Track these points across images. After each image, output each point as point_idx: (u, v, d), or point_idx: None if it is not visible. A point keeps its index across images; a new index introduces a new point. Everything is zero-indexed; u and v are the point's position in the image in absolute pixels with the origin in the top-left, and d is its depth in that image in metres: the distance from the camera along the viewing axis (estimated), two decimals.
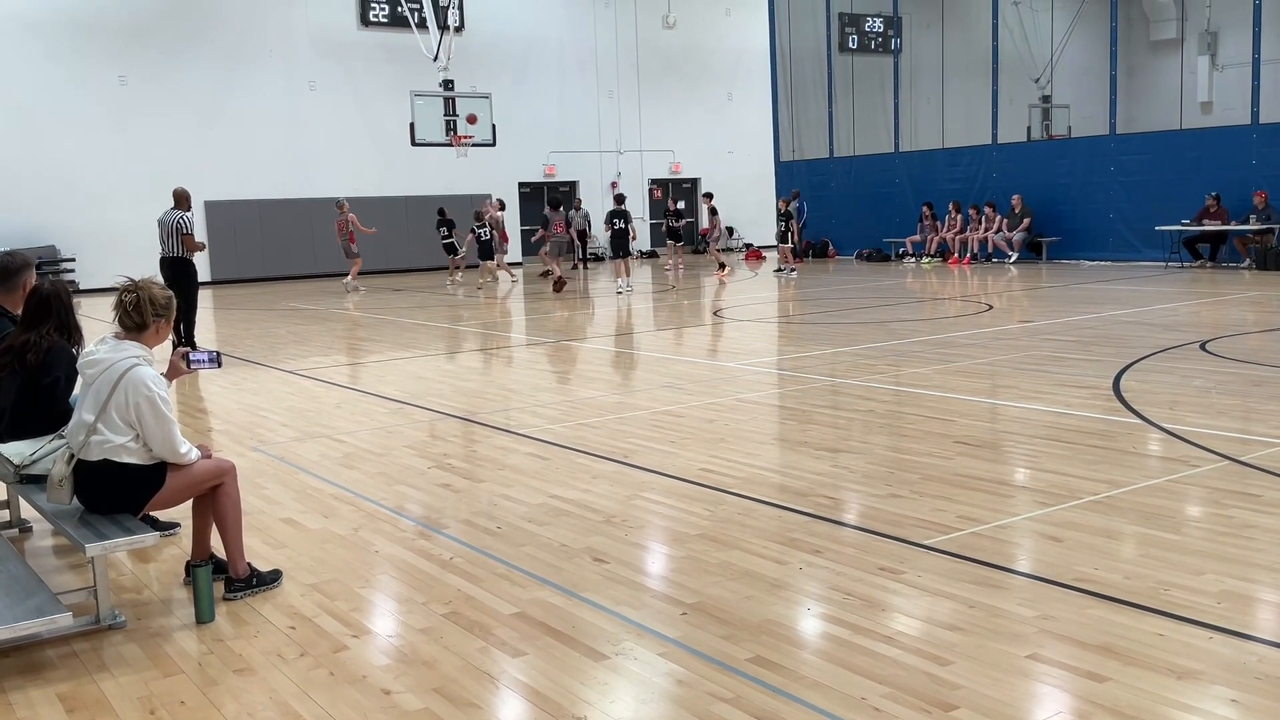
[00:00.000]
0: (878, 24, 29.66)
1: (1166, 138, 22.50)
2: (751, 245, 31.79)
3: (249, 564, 4.68)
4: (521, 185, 30.37)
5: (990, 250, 23.31)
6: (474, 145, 24.49)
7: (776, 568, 4.71)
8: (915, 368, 9.81)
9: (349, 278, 22.63)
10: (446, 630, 4.18)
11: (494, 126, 24.78)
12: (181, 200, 12.87)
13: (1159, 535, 4.94)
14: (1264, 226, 18.97)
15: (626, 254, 20.21)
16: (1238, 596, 4.22)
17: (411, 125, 22.70)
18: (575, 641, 4.03)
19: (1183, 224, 20.12)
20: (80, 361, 4.59)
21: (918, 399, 8.38)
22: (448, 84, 23.25)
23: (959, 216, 24.00)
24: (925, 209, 24.73)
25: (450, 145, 24.31)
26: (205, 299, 22.12)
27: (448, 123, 23.60)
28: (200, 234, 16.70)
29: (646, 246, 32.08)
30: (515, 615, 4.30)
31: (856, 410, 8.14)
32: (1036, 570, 4.56)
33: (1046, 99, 29.05)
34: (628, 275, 20.18)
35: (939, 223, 24.48)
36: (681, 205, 27.51)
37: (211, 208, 26.34)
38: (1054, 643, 3.82)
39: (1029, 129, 28.37)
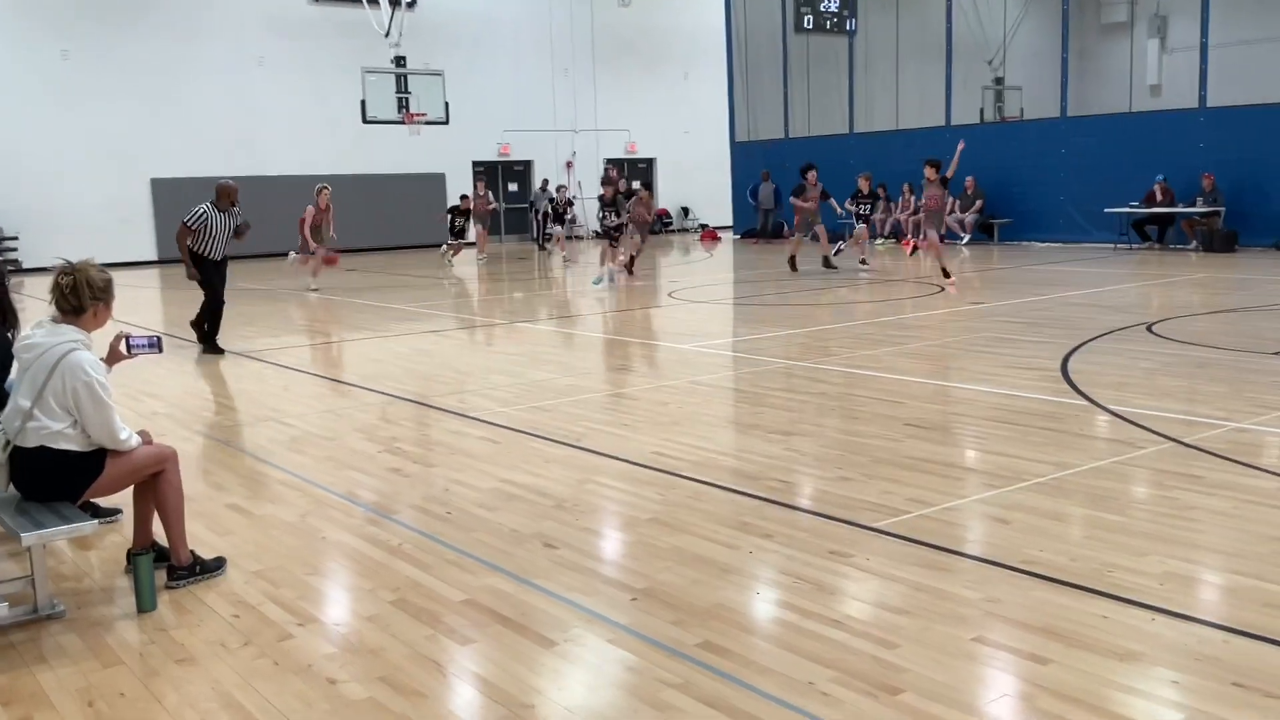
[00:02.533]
0: (833, 4, 29.67)
1: (1116, 120, 22.74)
2: (707, 226, 31.79)
3: (192, 551, 4.60)
4: (475, 164, 30.13)
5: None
6: (427, 124, 24.27)
7: (727, 552, 4.72)
8: (867, 349, 9.86)
9: (313, 276, 18.45)
10: (394, 618, 4.14)
11: (447, 105, 24.57)
12: (232, 194, 10.92)
13: (1104, 517, 5.00)
14: (1211, 209, 19.26)
15: (615, 241, 17.64)
16: (1180, 578, 4.28)
17: (363, 103, 22.43)
18: (525, 629, 4.01)
19: (1131, 206, 20.37)
20: (16, 346, 4.48)
21: (869, 381, 8.43)
22: (399, 61, 22.99)
23: (912, 198, 24.11)
24: (879, 190, 24.79)
25: (403, 123, 24.08)
26: (151, 278, 21.79)
27: (400, 100, 23.35)
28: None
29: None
30: (464, 602, 4.27)
31: (809, 393, 8.16)
32: (983, 553, 4.59)
33: (999, 81, 29.22)
34: (613, 263, 17.40)
35: (892, 204, 24.60)
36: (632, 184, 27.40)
37: (158, 186, 25.88)
38: (999, 625, 3.86)
39: (981, 111, 28.53)
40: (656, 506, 5.39)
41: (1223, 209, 19.24)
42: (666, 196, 33.27)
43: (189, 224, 10.64)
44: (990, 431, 6.71)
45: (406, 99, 22.80)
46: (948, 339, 10.37)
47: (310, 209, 17.75)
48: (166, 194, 26.04)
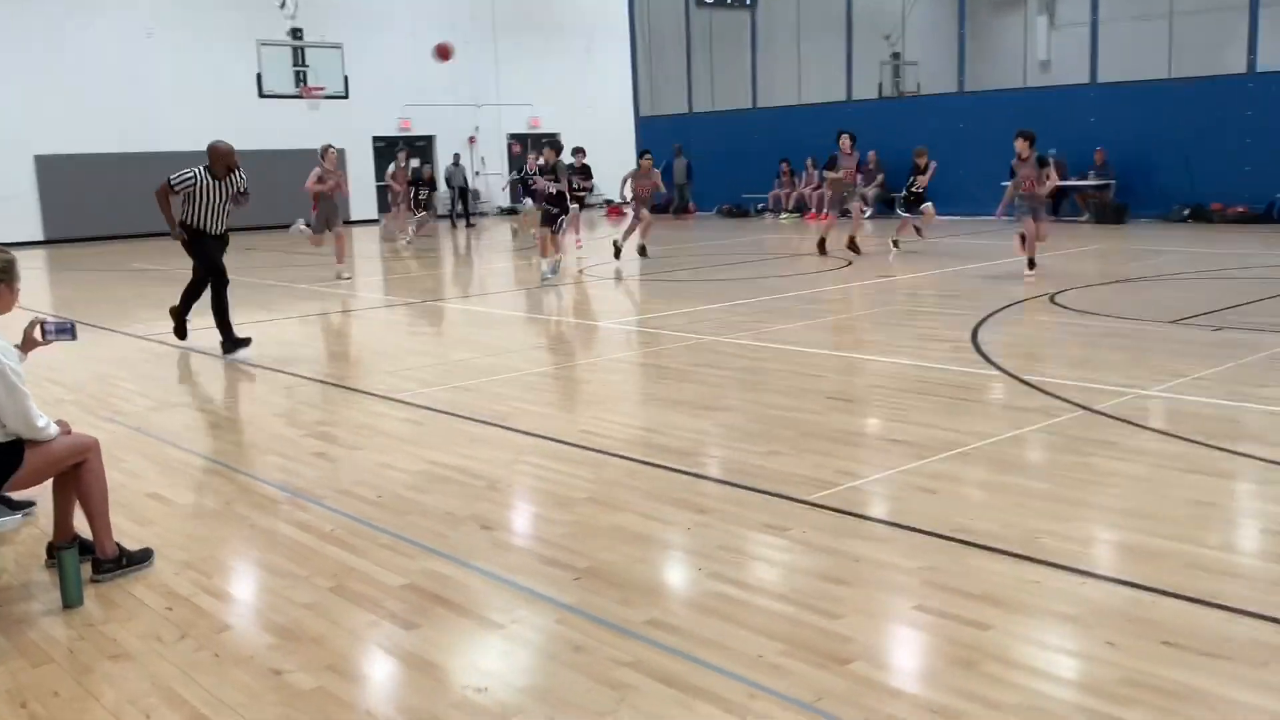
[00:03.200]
0: None
1: (1010, 96, 23.27)
2: (612, 202, 31.72)
3: (117, 543, 4.45)
4: (376, 139, 29.55)
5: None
6: (325, 97, 23.73)
7: (666, 529, 4.74)
8: (782, 324, 9.97)
9: (339, 263, 15.63)
10: (334, 605, 4.07)
11: (345, 78, 24.04)
12: (228, 158, 9.30)
13: (1028, 484, 5.15)
14: (1102, 182, 19.90)
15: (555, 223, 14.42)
16: (1106, 542, 4.44)
17: (259, 76, 21.78)
18: (469, 612, 3.98)
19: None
20: None
21: (787, 355, 8.53)
22: (296, 33, 22.38)
23: (816, 173, 24.41)
24: (783, 165, 25.08)
25: (300, 97, 23.49)
26: (38, 260, 20.92)
27: (297, 74, 22.77)
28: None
29: (506, 203, 31.71)
30: (405, 587, 4.21)
31: (730, 368, 8.23)
32: (916, 522, 4.69)
33: (897, 56, 29.69)
34: (556, 252, 14.42)
35: (796, 178, 24.87)
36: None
37: (42, 163, 24.82)
38: (938, 593, 3.95)
39: (880, 86, 28.97)
40: (591, 485, 5.39)
41: (1113, 182, 19.88)
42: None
43: (173, 184, 9.11)
44: (910, 403, 6.85)
45: (304, 72, 22.22)
46: (860, 312, 10.54)
47: (315, 171, 15.23)
48: (52, 171, 24.99)
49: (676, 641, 3.65)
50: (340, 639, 3.79)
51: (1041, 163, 12.72)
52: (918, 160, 16.44)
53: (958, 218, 22.05)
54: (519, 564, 4.42)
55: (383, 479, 5.62)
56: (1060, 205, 20.92)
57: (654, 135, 28.01)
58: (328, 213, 15.35)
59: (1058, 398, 6.72)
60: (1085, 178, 20.15)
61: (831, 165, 16.41)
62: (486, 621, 3.89)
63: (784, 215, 24.50)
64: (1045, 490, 5.05)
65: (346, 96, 23.72)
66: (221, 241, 9.55)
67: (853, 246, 16.17)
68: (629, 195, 16.60)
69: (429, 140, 30.79)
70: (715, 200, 26.88)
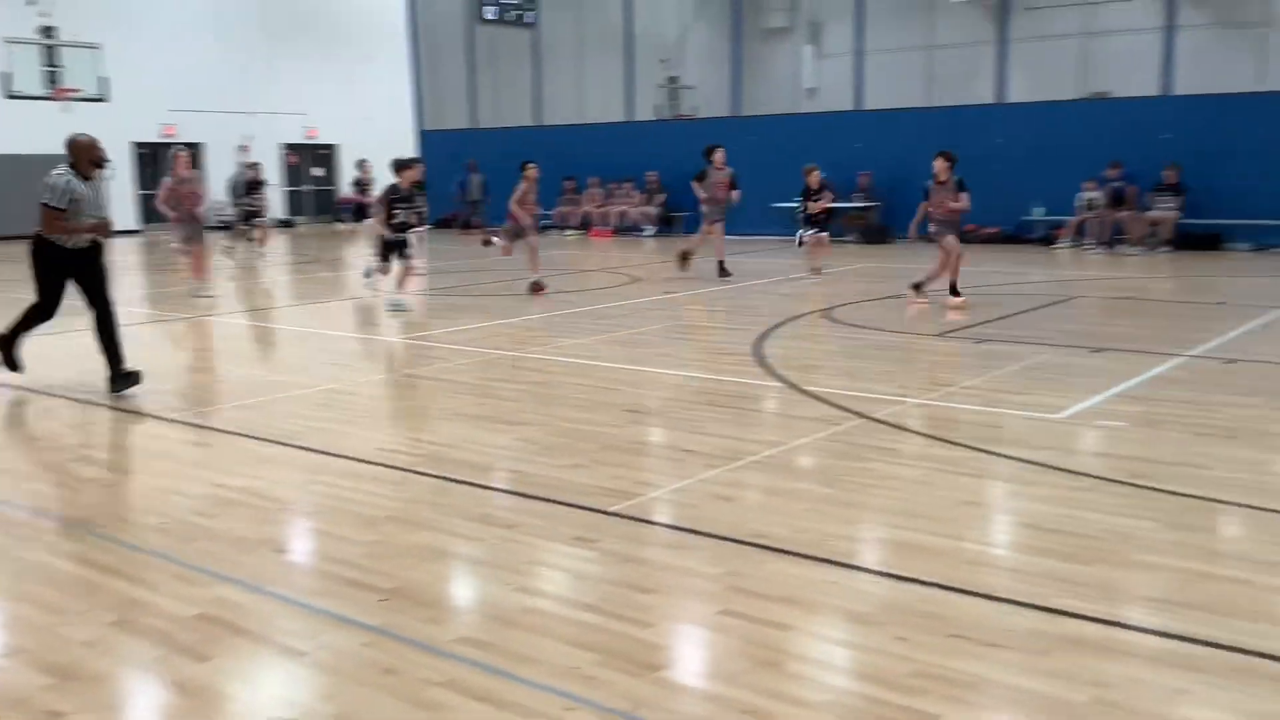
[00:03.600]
0: None
1: (781, 121, 24.31)
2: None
3: None
4: (139, 146, 27.91)
5: (629, 224, 24.24)
6: (81, 100, 22.26)
7: (473, 545, 4.69)
8: (575, 338, 10.04)
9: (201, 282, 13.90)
10: (117, 640, 3.81)
11: (104, 80, 22.62)
12: (93, 152, 7.81)
13: (816, 490, 5.39)
14: (868, 204, 21.03)
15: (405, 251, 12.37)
16: (891, 543, 4.69)
17: (7, 75, 20.21)
18: (268, 640, 3.81)
19: (797, 201, 21.86)
20: None
21: (583, 369, 8.60)
22: (48, 31, 20.90)
23: (599, 190, 24.76)
24: (567, 183, 25.28)
25: (52, 99, 21.95)
26: None
27: (49, 74, 21.27)
28: None
29: (283, 215, 30.56)
30: (196, 617, 3.99)
31: (527, 382, 8.23)
32: (716, 529, 4.82)
33: (674, 79, 30.48)
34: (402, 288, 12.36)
35: (580, 196, 25.13)
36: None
37: None
38: (741, 598, 4.07)
39: (659, 108, 29.67)
40: (392, 504, 5.26)
41: (878, 204, 21.05)
42: (350, 186, 32.23)
43: (55, 206, 7.50)
44: (703, 414, 7.03)
45: (57, 72, 20.75)
46: (648, 327, 10.74)
47: (166, 182, 14.07)
48: None
49: (489, 658, 3.62)
50: (125, 676, 3.57)
51: (960, 186, 11.65)
52: (808, 179, 15.01)
53: (733, 237, 22.81)
54: (320, 587, 4.27)
55: (167, 505, 5.31)
56: (827, 228, 22.00)
57: (437, 149, 27.66)
58: (189, 228, 14.01)
59: (838, 407, 7.05)
60: (851, 200, 21.24)
61: (701, 179, 15.45)
62: (287, 649, 3.74)
63: (568, 232, 24.70)
64: (833, 495, 5.29)
65: (104, 99, 22.28)
66: (93, 257, 7.91)
67: (724, 272, 14.90)
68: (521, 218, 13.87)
69: (196, 148, 29.31)
70: (500, 218, 26.73)
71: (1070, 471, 5.56)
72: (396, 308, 11.81)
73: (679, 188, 23.92)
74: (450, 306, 13.19)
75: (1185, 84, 19.47)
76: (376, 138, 32.13)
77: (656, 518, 5.02)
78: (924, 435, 6.43)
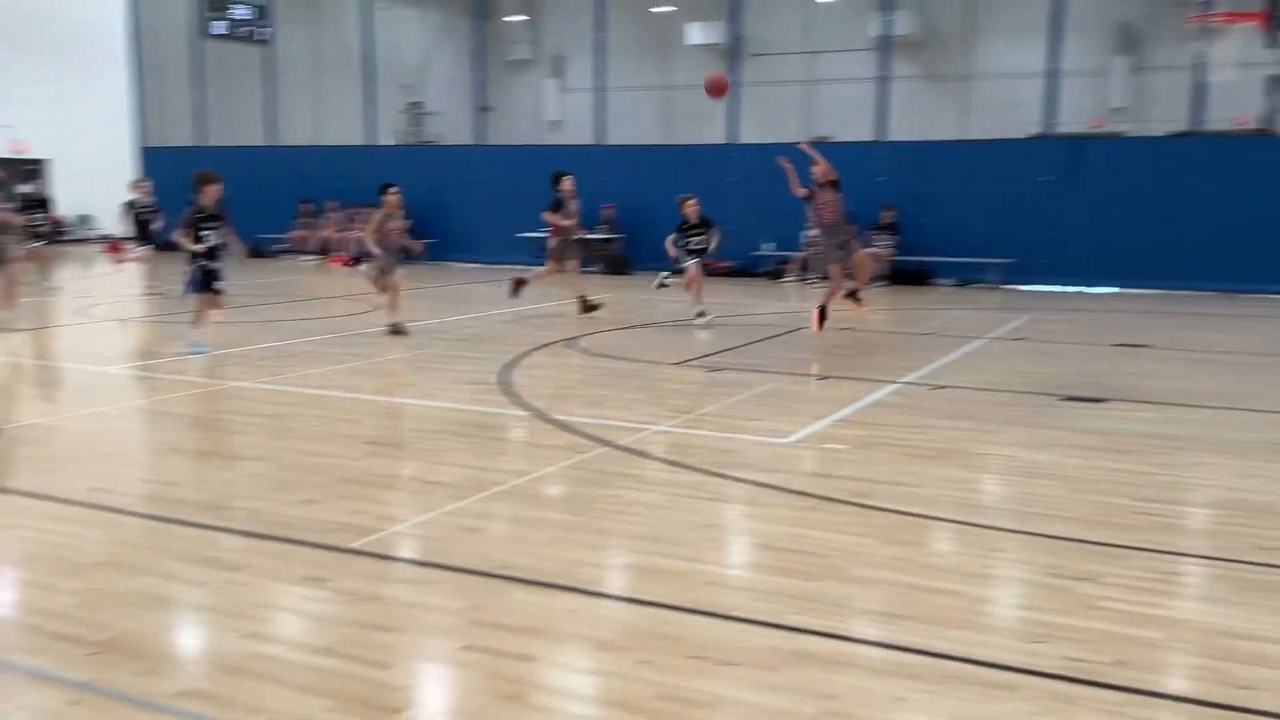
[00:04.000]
0: (247, 11, 28.67)
1: (524, 151, 24.48)
2: (112, 237, 29.06)
3: None
4: None
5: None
6: None
7: (196, 590, 4.40)
8: (312, 368, 9.67)
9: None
10: None
11: None
12: None
13: (562, 518, 5.41)
14: (610, 236, 21.45)
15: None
16: (633, 568, 4.77)
17: None
18: None
19: (541, 232, 22.06)
20: None
21: (320, 400, 8.28)
22: None
23: (337, 215, 24.08)
24: (304, 206, 24.46)
25: None
26: None
27: None
28: None
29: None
30: None
31: (258, 414, 7.84)
32: (459, 562, 4.74)
33: (416, 105, 30.13)
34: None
35: (318, 221, 24.37)
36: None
37: None
38: (485, 631, 4.02)
39: (401, 133, 29.22)
40: (104, 548, 4.87)
41: (621, 236, 21.52)
42: (66, 204, 29.91)
43: None
44: (447, 445, 6.93)
45: None
46: (391, 356, 10.50)
47: None
48: None
49: (213, 710, 3.40)
50: None
51: (834, 186, 11.61)
52: (685, 210, 13.27)
53: (478, 265, 22.74)
54: (19, 642, 3.89)
55: None
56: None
57: (160, 167, 26.08)
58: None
59: (584, 435, 7.11)
60: (595, 231, 21.61)
61: (557, 209, 14.14)
62: None
63: (305, 258, 23.88)
64: (577, 523, 5.32)
65: None
66: None
67: (589, 307, 13.94)
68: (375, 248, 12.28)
69: None
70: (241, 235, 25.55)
71: (798, 493, 5.83)
72: (198, 351, 10.07)
73: (424, 215, 23.64)
74: (178, 335, 12.43)
75: (898, 131, 21.01)
76: (93, 153, 30.05)
77: (397, 553, 4.89)
78: (665, 461, 6.59)
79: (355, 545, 4.92)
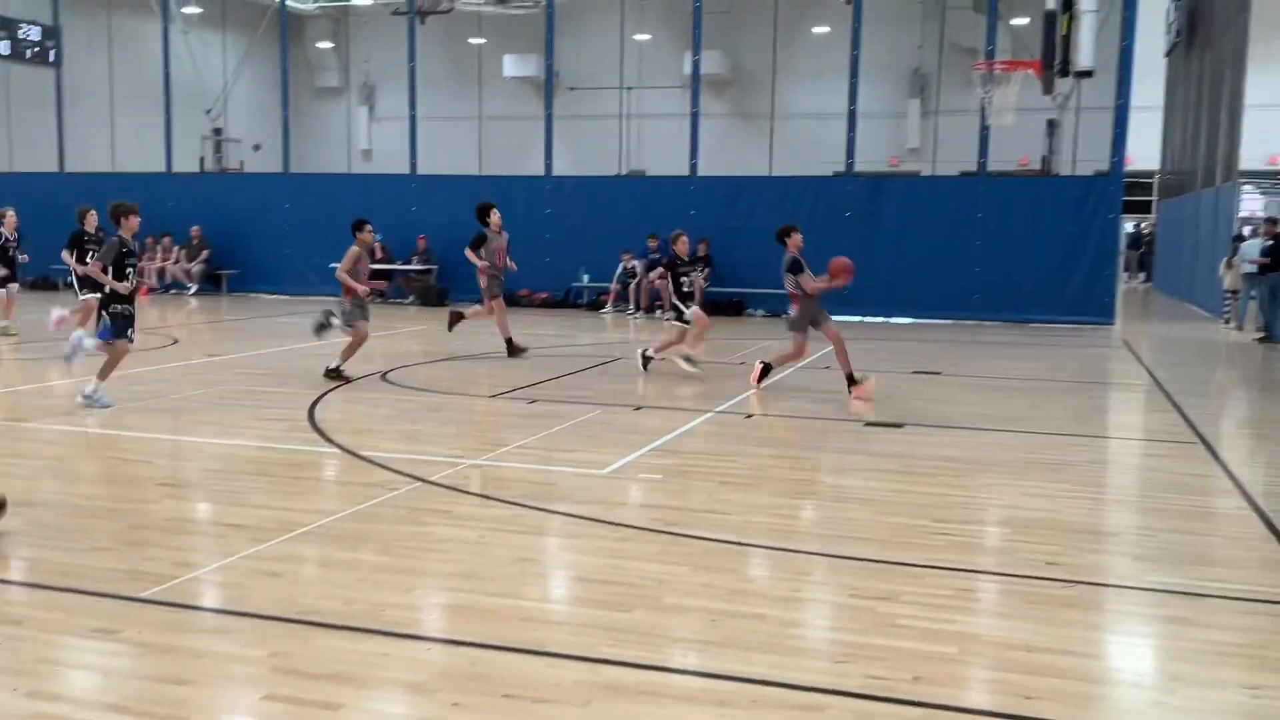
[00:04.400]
0: (34, 32, 27.08)
1: (335, 180, 23.97)
2: None
3: None
4: None
5: (169, 281, 22.65)
6: None
7: None
8: (97, 409, 9.13)
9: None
10: None
11: None
12: None
13: (370, 559, 5.25)
14: (425, 267, 21.16)
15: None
16: (444, 607, 4.67)
17: None
18: None
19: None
20: None
21: (111, 441, 7.84)
22: None
23: (159, 248, 22.96)
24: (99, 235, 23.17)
25: None
26: None
27: None
28: None
29: None
30: None
31: (40, 456, 7.34)
32: (260, 609, 4.55)
33: (219, 132, 29.10)
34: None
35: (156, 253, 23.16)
36: None
37: None
38: (287, 679, 3.86)
39: (203, 160, 28.14)
40: None
41: (435, 267, 21.25)
42: None
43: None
44: (250, 485, 6.65)
45: None
46: (191, 393, 10.03)
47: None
48: None
49: None
50: None
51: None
52: (676, 248, 11.93)
53: (285, 296, 22.03)
54: None
55: None
56: (386, 290, 21.90)
57: None
58: None
59: (395, 471, 6.95)
60: (410, 262, 21.29)
61: (479, 244, 12.75)
62: None
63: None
64: (387, 563, 5.19)
65: None
66: None
67: (514, 350, 12.88)
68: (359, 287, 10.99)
69: None
70: (34, 269, 23.94)
71: (613, 524, 5.86)
72: (102, 404, 9.02)
73: (226, 244, 22.78)
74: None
75: (710, 166, 21.56)
76: None
77: (193, 601, 4.65)
78: (480, 496, 6.51)
79: (147, 594, 4.65)
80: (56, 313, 10.60)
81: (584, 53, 31.45)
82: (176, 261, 22.69)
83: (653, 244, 19.52)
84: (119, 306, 9.08)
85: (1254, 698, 3.82)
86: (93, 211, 13.16)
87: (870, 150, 26.25)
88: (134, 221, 9.29)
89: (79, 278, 12.27)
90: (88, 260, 10.78)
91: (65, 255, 13.05)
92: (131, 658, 4.05)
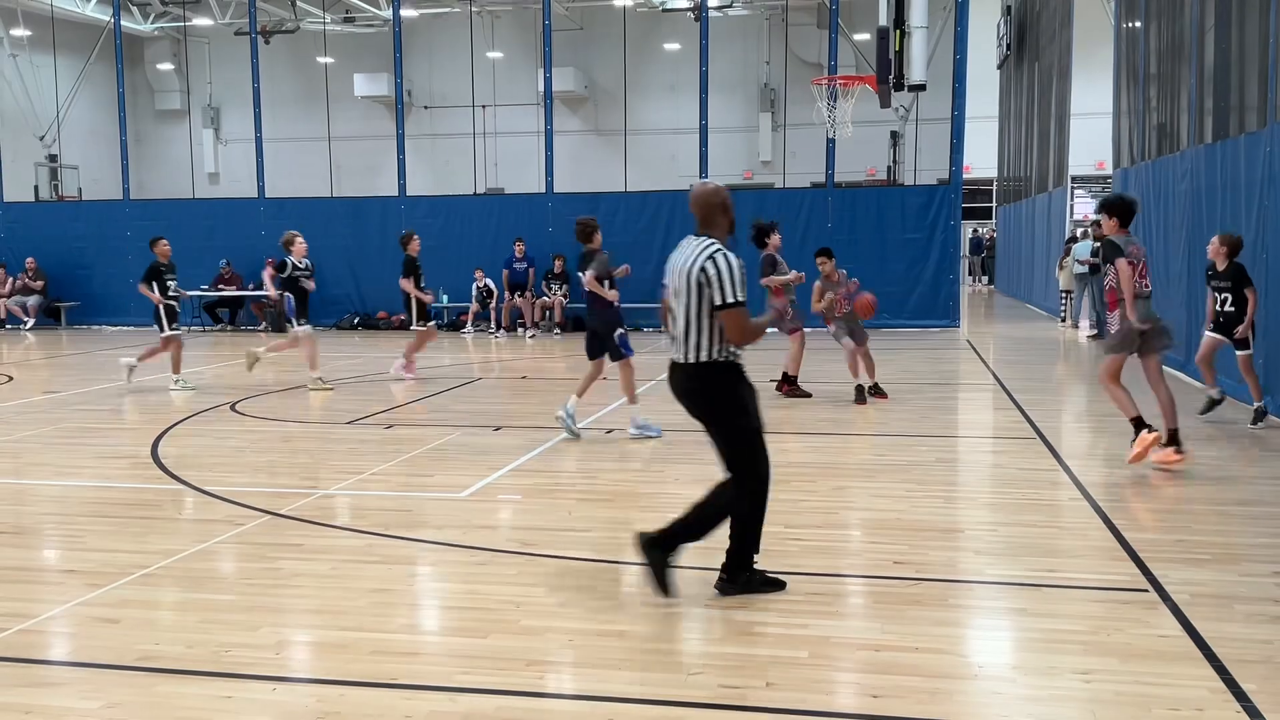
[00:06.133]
0: None
1: (180, 205, 23.14)
2: None
3: None
4: None
5: (3, 315, 21.51)
6: None
7: None
8: None
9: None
10: None
11: None
12: None
13: (215, 599, 5.07)
14: (279, 292, 20.55)
15: None
16: (295, 644, 4.54)
17: None
18: None
19: (202, 289, 20.87)
20: None
21: None
22: None
23: (9, 278, 21.77)
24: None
25: None
26: None
27: None
28: None
29: None
30: None
31: None
32: (96, 658, 4.35)
33: (54, 159, 27.82)
34: None
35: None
36: None
37: None
38: None
39: (36, 188, 26.84)
40: None
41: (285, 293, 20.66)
42: None
43: None
44: (86, 528, 6.35)
45: None
46: (25, 432, 9.54)
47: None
48: None
49: None
50: None
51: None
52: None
53: (130, 327, 21.17)
54: None
55: None
56: (238, 314, 21.24)
57: None
58: None
59: (243, 505, 6.74)
60: (260, 286, 20.69)
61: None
62: None
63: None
64: (233, 602, 5.01)
65: None
66: None
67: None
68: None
69: None
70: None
71: (470, 547, 5.80)
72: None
73: (65, 276, 21.77)
74: None
75: (566, 183, 21.59)
76: None
77: (25, 653, 4.41)
78: (333, 527, 6.35)
79: None
80: None
81: (438, 71, 31.20)
82: (11, 294, 21.56)
83: (519, 249, 19.33)
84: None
85: (1086, 682, 4.00)
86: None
87: (724, 164, 26.73)
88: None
89: None
90: None
91: None
92: None
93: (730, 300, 4.66)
